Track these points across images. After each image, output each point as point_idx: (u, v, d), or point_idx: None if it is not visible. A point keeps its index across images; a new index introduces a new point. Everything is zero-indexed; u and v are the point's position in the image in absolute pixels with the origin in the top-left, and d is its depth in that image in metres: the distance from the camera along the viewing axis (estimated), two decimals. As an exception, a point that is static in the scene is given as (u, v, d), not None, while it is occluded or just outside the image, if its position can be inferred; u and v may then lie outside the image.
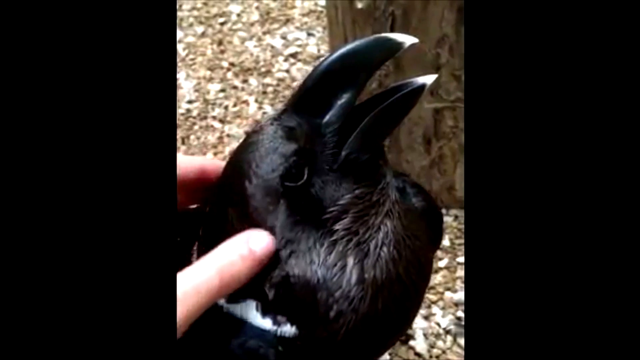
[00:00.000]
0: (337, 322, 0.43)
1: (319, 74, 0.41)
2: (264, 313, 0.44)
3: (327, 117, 0.42)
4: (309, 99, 0.42)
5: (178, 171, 0.46)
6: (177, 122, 1.28)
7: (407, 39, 0.41)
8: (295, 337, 0.44)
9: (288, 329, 0.44)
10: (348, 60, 0.41)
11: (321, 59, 0.44)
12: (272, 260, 0.43)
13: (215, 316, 0.43)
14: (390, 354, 0.85)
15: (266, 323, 0.44)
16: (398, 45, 0.41)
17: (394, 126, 0.45)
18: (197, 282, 0.40)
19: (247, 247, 0.42)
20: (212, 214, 0.46)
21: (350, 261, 0.43)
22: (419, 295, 0.52)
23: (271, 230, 0.42)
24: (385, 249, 0.45)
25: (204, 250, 0.44)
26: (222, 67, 1.43)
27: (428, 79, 0.42)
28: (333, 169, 0.42)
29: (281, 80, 1.37)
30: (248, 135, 0.45)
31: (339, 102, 0.42)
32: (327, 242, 0.43)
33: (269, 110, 1.30)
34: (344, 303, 0.43)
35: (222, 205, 0.45)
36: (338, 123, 0.42)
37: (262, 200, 0.42)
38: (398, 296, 0.46)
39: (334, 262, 0.43)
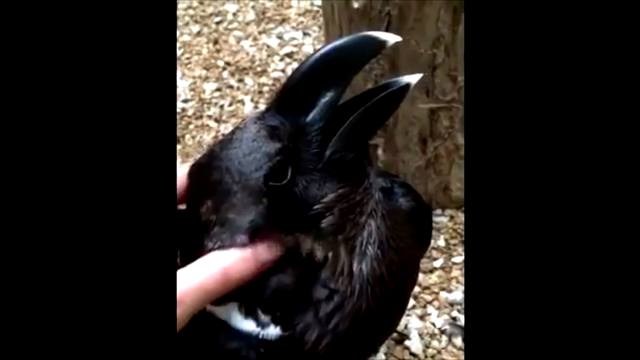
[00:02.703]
0: (325, 315, 0.43)
1: (302, 73, 0.41)
2: (247, 314, 0.44)
3: (310, 116, 0.42)
4: (292, 98, 0.42)
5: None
6: (172, 121, 1.28)
7: (390, 37, 0.41)
8: (278, 339, 0.43)
9: (271, 331, 0.43)
10: (331, 59, 0.41)
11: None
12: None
13: (198, 318, 0.43)
14: (385, 354, 0.85)
15: (249, 325, 0.44)
16: (382, 43, 0.41)
17: (379, 125, 0.44)
18: (202, 279, 0.40)
19: (251, 251, 0.42)
20: (187, 205, 0.46)
21: (342, 252, 0.43)
22: (403, 296, 0.52)
23: (243, 227, 0.42)
24: (370, 247, 0.44)
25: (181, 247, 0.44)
26: (217, 67, 1.43)
27: (413, 78, 0.42)
28: (317, 168, 0.42)
29: (277, 80, 1.37)
30: (231, 132, 0.44)
31: (323, 101, 0.41)
32: (313, 236, 0.42)
33: (264, 109, 1.30)
34: (337, 290, 0.43)
35: (197, 196, 0.44)
36: (322, 122, 0.41)
37: (243, 198, 0.41)
38: (381, 296, 0.46)
39: (323, 255, 0.43)
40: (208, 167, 0.44)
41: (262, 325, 0.43)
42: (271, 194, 0.41)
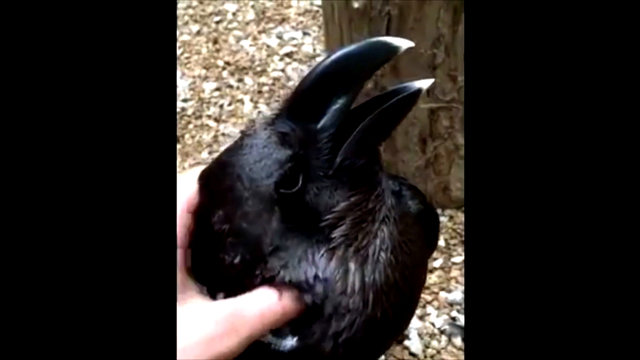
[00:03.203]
0: (339, 327, 0.43)
1: (313, 79, 0.40)
2: None
3: (321, 123, 0.41)
4: (303, 104, 0.41)
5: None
6: (172, 121, 1.28)
7: (404, 43, 0.41)
8: (293, 349, 0.43)
9: (289, 342, 0.43)
10: (343, 65, 0.40)
11: (316, 60, 0.43)
12: None
13: None
14: (385, 354, 0.85)
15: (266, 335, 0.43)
16: (394, 49, 0.41)
17: (390, 131, 0.44)
18: (260, 310, 0.41)
19: None
20: (198, 214, 0.45)
21: (352, 266, 0.43)
22: (414, 299, 0.52)
23: (258, 236, 0.42)
24: (383, 254, 0.44)
25: (192, 252, 0.43)
26: (217, 66, 1.43)
27: (424, 84, 0.41)
28: (328, 175, 0.42)
29: (276, 79, 1.37)
30: (240, 137, 0.44)
31: (334, 107, 0.41)
32: (325, 248, 0.42)
33: (264, 109, 1.30)
34: (348, 308, 0.43)
35: (208, 204, 0.44)
36: (333, 128, 0.41)
37: (255, 206, 0.41)
38: (395, 301, 0.46)
39: (336, 268, 0.42)
40: (218, 174, 0.43)
41: (280, 334, 0.43)
42: (282, 201, 0.41)
